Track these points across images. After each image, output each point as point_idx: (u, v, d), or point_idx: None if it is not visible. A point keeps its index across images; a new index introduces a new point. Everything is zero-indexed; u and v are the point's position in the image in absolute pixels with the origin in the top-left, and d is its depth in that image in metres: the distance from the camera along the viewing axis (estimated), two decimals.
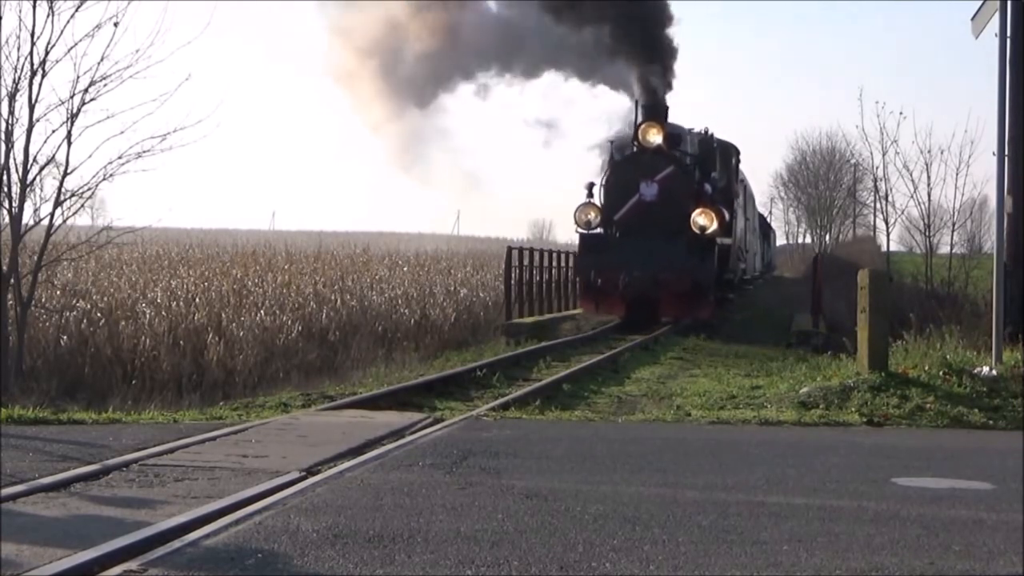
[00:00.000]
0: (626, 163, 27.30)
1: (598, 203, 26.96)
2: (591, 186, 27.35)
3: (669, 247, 25.68)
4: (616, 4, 28.05)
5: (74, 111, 14.58)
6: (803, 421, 10.63)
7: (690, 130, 29.19)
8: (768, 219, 66.57)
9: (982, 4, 14.34)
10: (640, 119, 27.12)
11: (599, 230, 26.84)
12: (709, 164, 28.68)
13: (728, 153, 31.45)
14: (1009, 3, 13.84)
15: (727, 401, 11.67)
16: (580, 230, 27.04)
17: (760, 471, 7.95)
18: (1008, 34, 13.92)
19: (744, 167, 38.32)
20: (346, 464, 7.88)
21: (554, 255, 31.20)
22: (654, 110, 27.23)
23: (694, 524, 6.24)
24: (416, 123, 35.82)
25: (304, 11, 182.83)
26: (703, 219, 26.21)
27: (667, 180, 26.41)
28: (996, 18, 13.85)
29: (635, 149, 27.25)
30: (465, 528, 6.02)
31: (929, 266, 28.41)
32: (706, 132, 29.27)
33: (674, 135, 27.41)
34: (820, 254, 41.06)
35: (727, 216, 28.40)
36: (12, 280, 14.35)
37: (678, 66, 32.73)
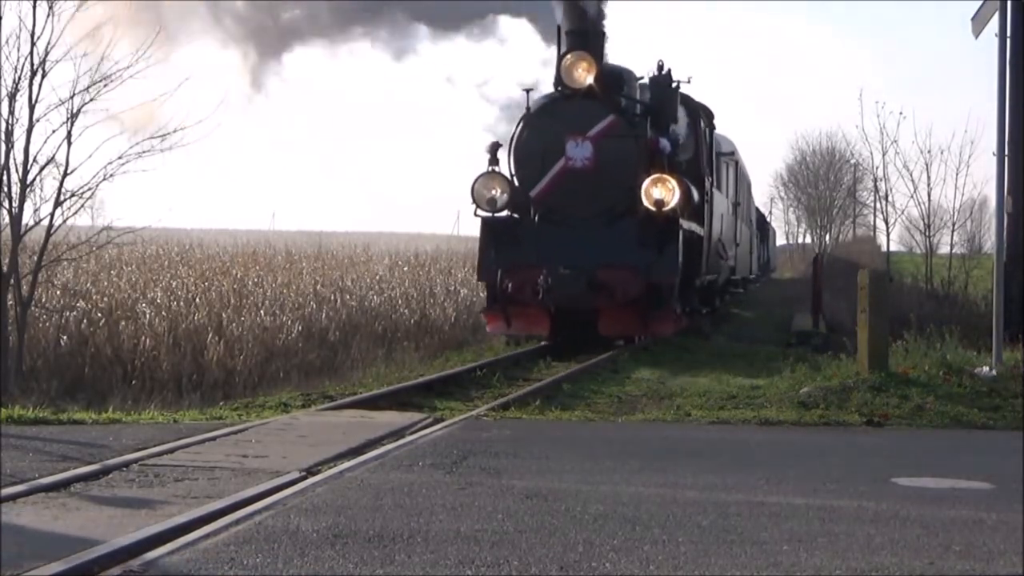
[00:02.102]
0: (544, 114, 18.64)
1: (507, 173, 18.77)
2: (495, 148, 18.92)
3: (611, 234, 18.05)
4: None
5: (74, 111, 14.61)
6: (803, 421, 10.63)
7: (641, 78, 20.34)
8: (768, 218, 65.48)
9: (982, 4, 14.35)
10: (563, 50, 18.43)
11: (507, 212, 18.83)
12: (666, 114, 19.65)
13: (696, 113, 22.08)
14: (1009, 3, 13.84)
15: (727, 401, 11.67)
16: (481, 212, 18.81)
17: (760, 471, 7.95)
18: (1008, 34, 13.93)
19: (741, 151, 31.90)
20: (346, 464, 7.88)
21: None
22: (582, 37, 18.48)
23: (694, 524, 6.24)
24: None
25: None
26: (659, 190, 18.01)
27: (605, 136, 18.31)
28: (996, 18, 13.86)
29: (557, 94, 18.61)
30: (465, 528, 6.02)
31: (929, 266, 28.41)
32: (661, 69, 20.00)
33: (613, 74, 19.04)
34: (820, 254, 40.63)
35: (697, 194, 20.11)
36: (12, 280, 14.35)
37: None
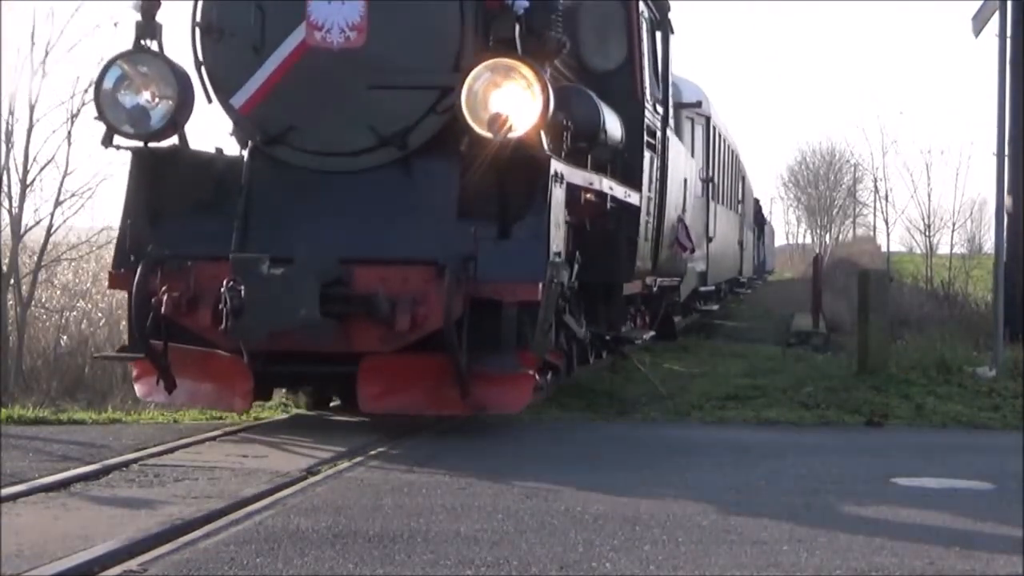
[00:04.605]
0: None
1: (194, 64, 9.36)
2: (150, 9, 9.23)
3: (394, 190, 9.03)
4: None
5: (74, 111, 14.59)
6: (803, 421, 10.63)
7: None
8: (768, 217, 63.76)
9: (983, 3, 14.37)
10: None
11: (178, 140, 9.33)
12: None
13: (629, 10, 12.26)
14: (1009, 3, 13.86)
15: (727, 401, 11.66)
16: (125, 141, 9.27)
17: (760, 471, 7.95)
18: (1008, 34, 13.95)
19: (741, 153, 27.10)
20: (346, 464, 7.88)
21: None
22: None
23: (694, 524, 6.24)
24: None
25: None
26: (501, 92, 8.71)
27: None
28: (996, 18, 13.88)
29: None
30: (465, 528, 6.02)
31: (929, 266, 28.46)
32: None
33: None
34: (820, 254, 40.55)
35: (621, 127, 11.61)
36: (12, 280, 14.37)
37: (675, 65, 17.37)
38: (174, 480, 7.29)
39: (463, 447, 8.73)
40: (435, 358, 8.40)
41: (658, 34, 13.56)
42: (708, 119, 21.36)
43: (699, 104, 19.85)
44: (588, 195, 10.31)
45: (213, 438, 8.91)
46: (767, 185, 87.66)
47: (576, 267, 9.88)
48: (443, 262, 8.26)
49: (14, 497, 6.63)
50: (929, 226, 29.00)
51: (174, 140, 9.32)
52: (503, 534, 5.92)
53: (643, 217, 12.43)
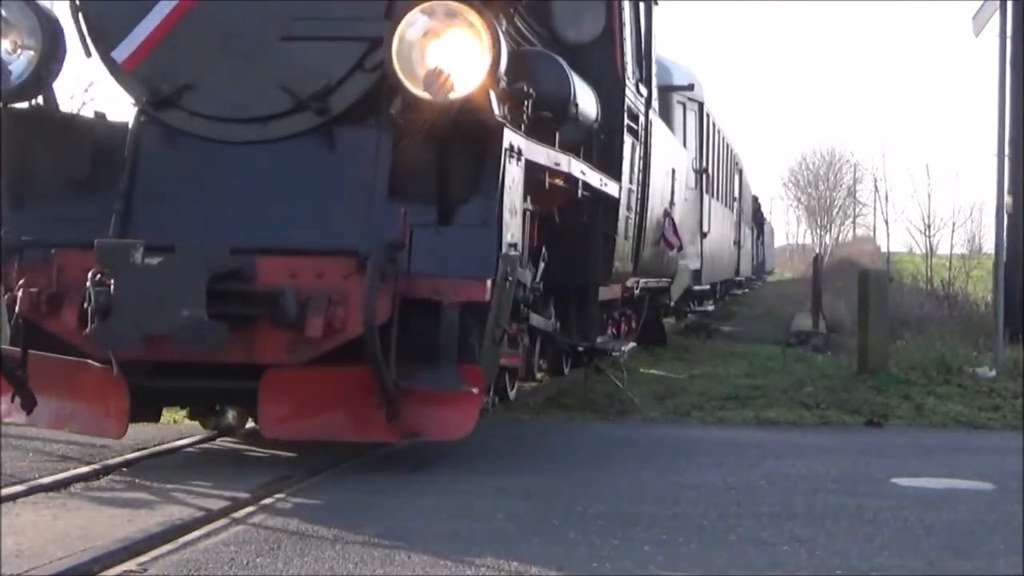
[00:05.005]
0: None
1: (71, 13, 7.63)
2: None
3: (309, 163, 7.38)
4: None
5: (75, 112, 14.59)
6: (803, 421, 10.63)
7: None
8: (767, 217, 62.87)
9: (983, 3, 14.38)
10: None
11: (42, 100, 7.64)
12: None
13: None
14: (1009, 3, 13.87)
15: (727, 401, 11.66)
16: None
17: (760, 471, 7.95)
18: (1008, 34, 13.96)
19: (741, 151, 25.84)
20: (347, 463, 7.87)
21: None
22: None
23: (694, 524, 6.24)
24: None
25: None
26: (441, 42, 7.05)
27: None
28: (996, 17, 13.89)
29: None
30: (465, 528, 6.02)
31: (929, 266, 28.48)
32: None
33: None
34: (820, 254, 40.52)
35: (597, 104, 10.02)
36: None
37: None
38: (175, 480, 7.28)
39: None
40: (357, 372, 6.79)
41: (641, 5, 11.99)
42: (701, 105, 19.76)
43: (691, 87, 18.29)
44: (555, 180, 8.61)
45: (213, 437, 8.89)
46: (767, 186, 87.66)
47: (542, 266, 8.51)
48: (367, 252, 6.68)
49: (14, 497, 6.62)
50: (929, 226, 28.96)
51: (40, 101, 7.66)
52: (503, 534, 5.92)
53: (622, 211, 10.93)
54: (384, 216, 6.91)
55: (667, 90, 16.40)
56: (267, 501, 6.61)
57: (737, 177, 29.05)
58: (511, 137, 7.27)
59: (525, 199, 7.82)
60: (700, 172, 19.23)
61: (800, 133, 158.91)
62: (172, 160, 7.54)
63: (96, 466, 7.57)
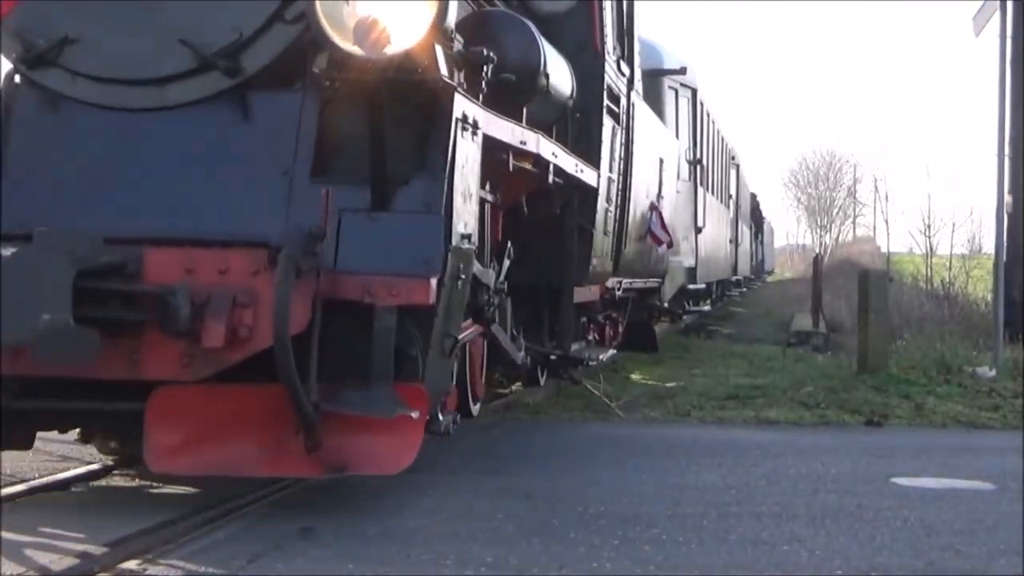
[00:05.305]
0: None
1: None
2: None
3: (213, 132, 6.04)
4: None
5: None
6: (803, 421, 10.63)
7: None
8: (766, 215, 61.98)
9: (983, 3, 14.39)
10: None
11: None
12: None
13: None
14: (1009, 3, 13.88)
15: (727, 401, 11.66)
16: None
17: (760, 471, 7.95)
18: (1008, 34, 13.97)
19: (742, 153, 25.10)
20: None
21: None
22: None
23: (694, 524, 6.24)
24: None
25: None
26: None
27: None
28: (996, 17, 13.90)
29: None
30: (465, 528, 6.02)
31: (929, 266, 28.47)
32: None
33: None
34: (820, 254, 40.35)
35: (545, 55, 7.89)
36: None
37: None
38: (175, 479, 7.28)
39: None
40: (268, 392, 5.52)
41: None
42: (695, 92, 18.25)
43: (683, 71, 16.84)
44: (522, 163, 7.57)
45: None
46: (767, 186, 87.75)
47: (507, 263, 7.61)
48: (280, 243, 5.40)
49: (14, 497, 6.62)
50: (929, 226, 28.96)
51: None
52: (503, 534, 5.91)
53: (601, 203, 9.81)
54: (306, 199, 5.69)
55: (657, 74, 15.38)
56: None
57: (734, 172, 27.60)
58: (464, 105, 6.11)
59: (484, 184, 6.74)
60: (694, 163, 18.04)
61: (800, 133, 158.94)
62: (48, 131, 6.19)
63: (96, 466, 7.54)
